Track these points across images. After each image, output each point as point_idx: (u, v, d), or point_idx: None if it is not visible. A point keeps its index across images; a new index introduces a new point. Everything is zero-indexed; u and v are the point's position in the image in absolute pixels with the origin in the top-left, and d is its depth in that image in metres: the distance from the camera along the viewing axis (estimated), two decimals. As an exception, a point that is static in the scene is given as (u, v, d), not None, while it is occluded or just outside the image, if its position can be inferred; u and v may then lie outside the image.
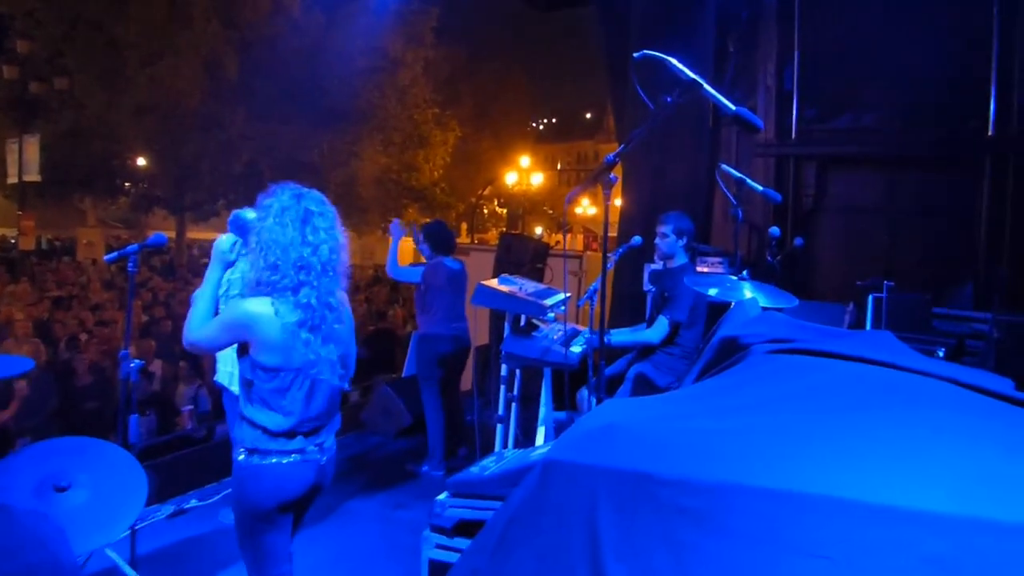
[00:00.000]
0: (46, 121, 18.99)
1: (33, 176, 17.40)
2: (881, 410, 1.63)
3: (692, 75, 2.23)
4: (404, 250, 5.67)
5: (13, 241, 23.99)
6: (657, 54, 2.29)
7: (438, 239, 5.57)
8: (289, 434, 2.48)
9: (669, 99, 2.27)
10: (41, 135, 17.97)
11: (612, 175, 2.39)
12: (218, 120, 20.07)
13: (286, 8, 20.33)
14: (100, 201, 23.80)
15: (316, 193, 2.58)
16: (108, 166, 21.92)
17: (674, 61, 2.25)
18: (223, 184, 21.11)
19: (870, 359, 1.92)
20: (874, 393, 1.77)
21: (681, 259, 4.54)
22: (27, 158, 17.14)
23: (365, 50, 21.26)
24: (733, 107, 2.25)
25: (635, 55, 2.33)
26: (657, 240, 4.50)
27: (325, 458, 2.61)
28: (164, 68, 19.01)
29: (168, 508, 4.61)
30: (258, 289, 2.43)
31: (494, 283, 4.56)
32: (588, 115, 57.01)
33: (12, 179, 18.15)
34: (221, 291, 2.76)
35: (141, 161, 22.79)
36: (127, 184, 24.00)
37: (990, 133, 5.80)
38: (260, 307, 2.40)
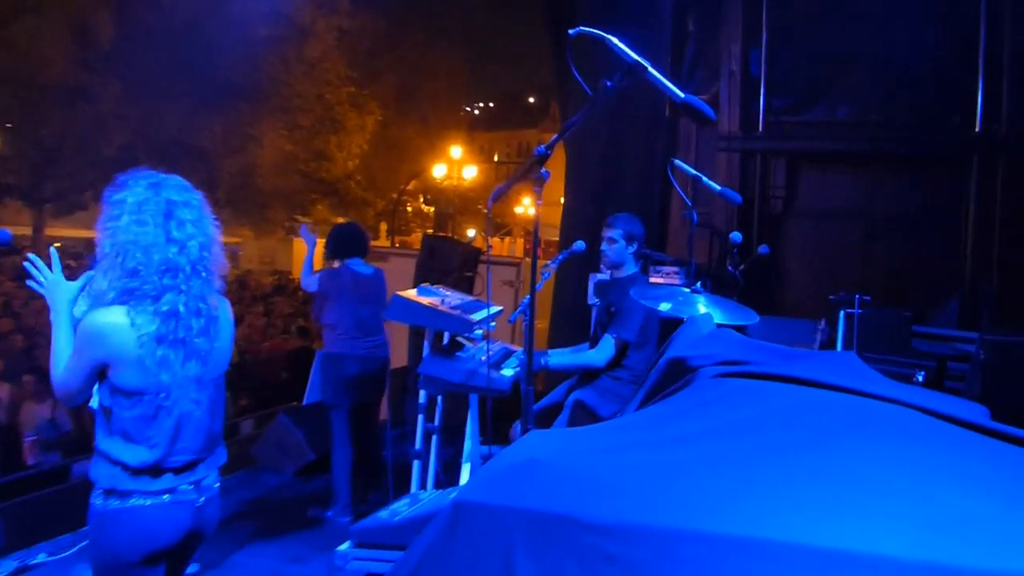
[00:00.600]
0: None
1: None
2: (840, 442, 1.68)
3: (634, 56, 2.27)
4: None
5: None
6: (595, 31, 2.32)
7: (339, 239, 5.57)
8: (154, 470, 2.41)
9: (609, 84, 2.30)
10: None
11: (544, 170, 2.40)
12: (87, 94, 19.55)
13: (173, -39, 20.07)
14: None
15: (176, 179, 2.52)
16: (-54, 147, 21.21)
17: (614, 40, 2.28)
18: (91, 171, 20.51)
19: (831, 384, 1.97)
20: (833, 423, 1.82)
21: (631, 268, 4.60)
22: None
23: (267, 16, 21.04)
24: (682, 94, 2.29)
25: (570, 32, 2.36)
26: (604, 246, 4.56)
27: (203, 499, 2.54)
28: (21, 30, 18.51)
29: (10, 564, 4.45)
30: (115, 300, 2.36)
31: (412, 294, 4.54)
32: (531, 100, 57.46)
33: None
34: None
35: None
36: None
37: (977, 130, 6.04)
38: (113, 317, 2.34)
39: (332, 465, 5.36)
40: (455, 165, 30.23)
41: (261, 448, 6.36)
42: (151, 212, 2.40)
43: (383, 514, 3.23)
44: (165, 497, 2.43)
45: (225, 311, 2.65)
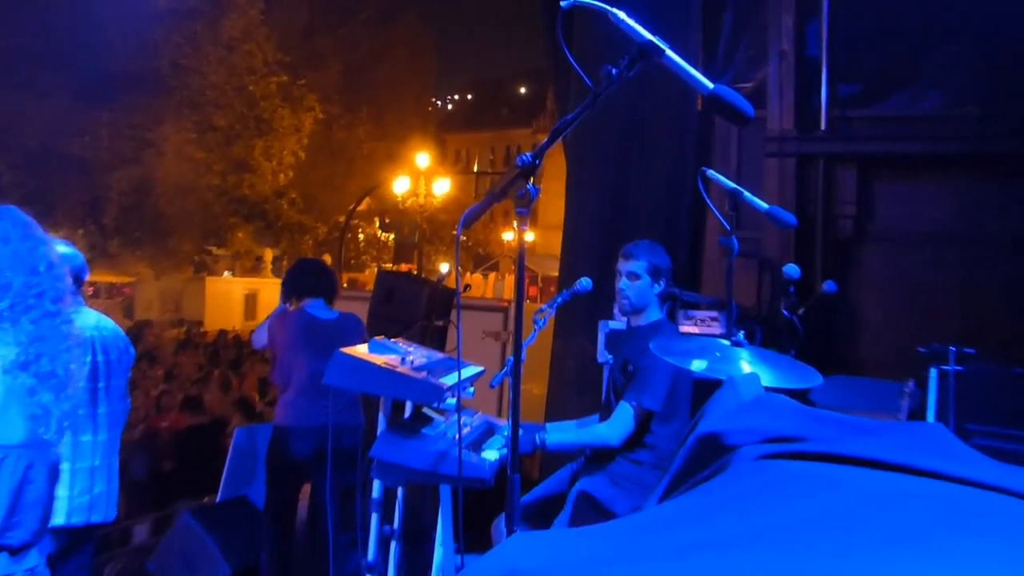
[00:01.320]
0: None
1: None
2: (922, 546, 1.68)
3: (645, 35, 2.30)
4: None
5: None
6: (593, 2, 2.36)
7: (295, 276, 5.67)
8: None
9: (615, 72, 2.33)
10: None
11: (531, 186, 2.43)
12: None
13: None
14: None
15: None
16: None
17: (618, 13, 2.32)
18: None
19: (916, 468, 1.98)
20: (920, 521, 1.82)
21: (655, 313, 4.62)
22: None
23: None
24: (710, 84, 2.32)
25: (563, 4, 2.40)
26: (620, 284, 4.58)
27: None
28: None
29: None
30: None
31: (361, 351, 4.55)
32: (522, 90, 57.96)
33: None
34: None
35: None
36: None
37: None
38: None
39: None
40: (422, 178, 30.20)
41: (159, 561, 6.31)
42: (10, 225, 2.58)
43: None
44: None
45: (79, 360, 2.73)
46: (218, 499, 6.88)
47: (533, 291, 42.27)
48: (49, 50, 19.80)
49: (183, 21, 22.06)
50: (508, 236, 40.28)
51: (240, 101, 24.47)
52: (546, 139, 2.48)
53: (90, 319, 4.16)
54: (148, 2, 20.52)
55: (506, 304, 10.62)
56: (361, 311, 7.82)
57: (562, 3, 2.44)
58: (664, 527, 1.91)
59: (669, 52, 2.33)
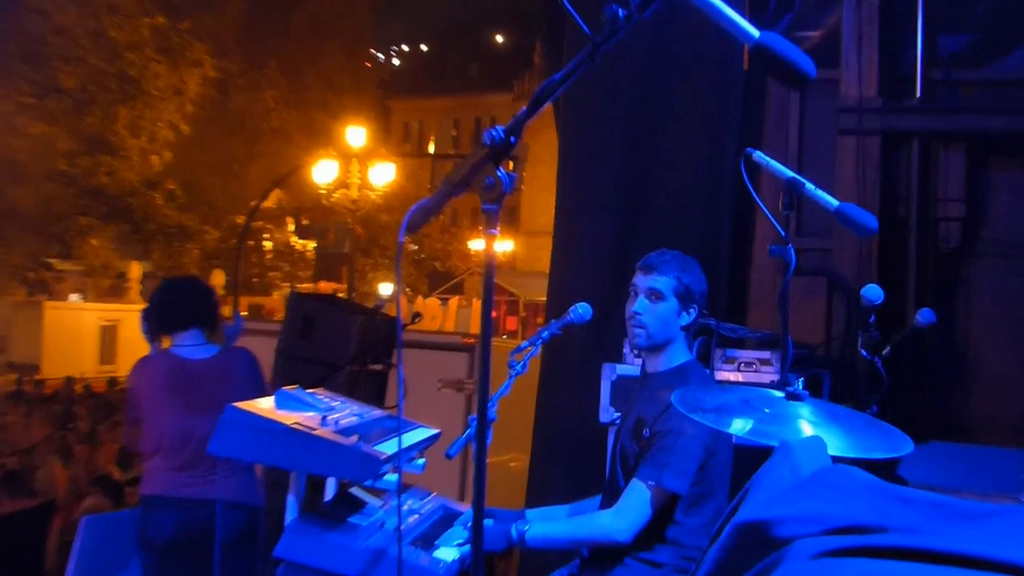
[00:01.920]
0: None
1: None
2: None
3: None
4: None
5: None
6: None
7: (159, 307, 5.66)
8: None
9: (622, 14, 2.36)
10: None
11: (504, 173, 2.45)
12: None
13: None
14: None
15: None
16: None
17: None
18: None
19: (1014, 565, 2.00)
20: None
21: (682, 354, 4.63)
22: None
23: None
24: (756, 32, 2.35)
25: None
26: (635, 306, 4.57)
27: None
28: None
29: None
30: None
31: (264, 406, 4.57)
32: (499, 39, 58.11)
33: None
34: None
35: None
36: None
37: None
38: None
39: None
40: (355, 162, 30.08)
41: None
42: None
43: None
44: None
45: None
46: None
47: (512, 323, 42.27)
48: None
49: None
50: (477, 245, 40.34)
51: (97, 52, 24.40)
52: (525, 107, 2.50)
53: None
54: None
55: (472, 341, 10.58)
56: (267, 349, 7.82)
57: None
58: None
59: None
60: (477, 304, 36.38)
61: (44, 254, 24.58)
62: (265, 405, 4.57)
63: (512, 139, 2.41)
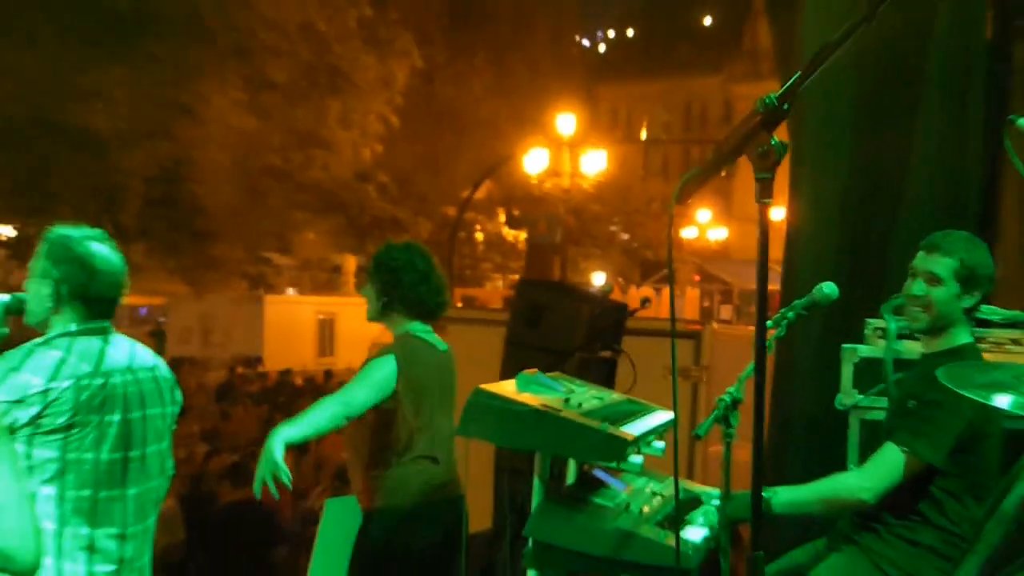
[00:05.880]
0: None
1: None
2: None
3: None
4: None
5: None
6: None
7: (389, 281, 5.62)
8: None
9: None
10: None
11: (778, 141, 2.45)
12: None
13: None
14: None
15: None
16: None
17: None
18: None
19: None
20: None
21: (962, 335, 4.57)
22: None
23: None
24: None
25: None
26: (918, 288, 4.51)
27: None
28: None
29: None
30: None
31: (507, 388, 4.60)
32: (707, 20, 57.78)
33: None
34: None
35: None
36: None
37: None
38: None
39: None
40: (565, 150, 30.03)
41: None
42: None
43: None
44: None
45: None
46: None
47: (726, 311, 41.76)
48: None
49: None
50: (690, 233, 40.15)
51: (307, 46, 24.76)
52: (799, 74, 2.49)
53: (119, 354, 4.25)
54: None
55: (698, 328, 10.47)
56: (489, 337, 7.87)
57: None
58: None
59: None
60: (692, 292, 36.32)
61: (262, 250, 25.03)
62: (505, 387, 4.59)
63: (785, 106, 2.41)
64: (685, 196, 2.60)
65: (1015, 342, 5.42)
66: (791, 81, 2.41)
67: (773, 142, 2.43)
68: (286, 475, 5.06)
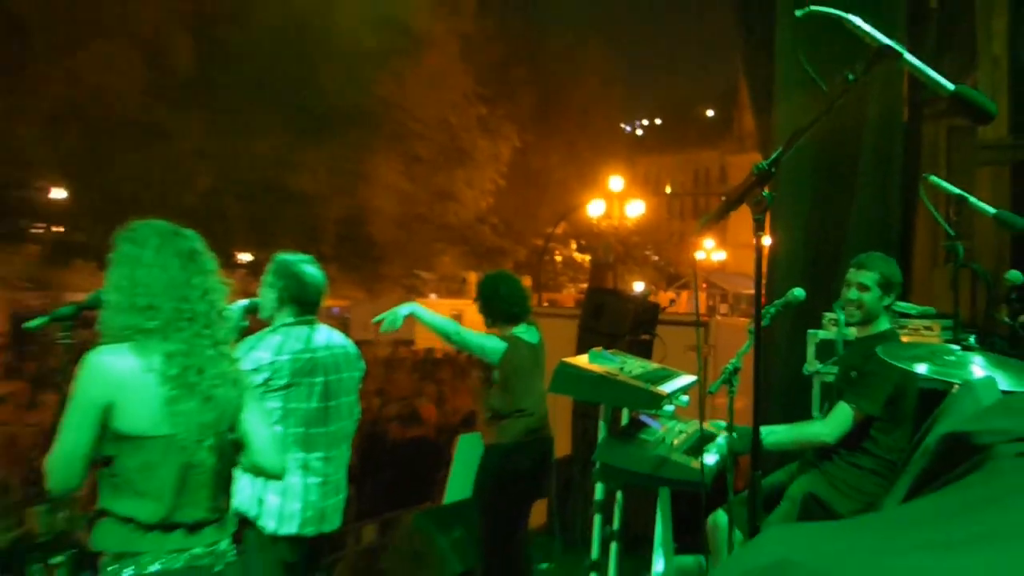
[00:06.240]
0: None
1: None
2: None
3: (885, 40, 2.26)
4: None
5: None
6: (831, 11, 2.33)
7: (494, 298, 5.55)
8: (165, 526, 2.75)
9: (852, 77, 2.29)
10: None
11: (767, 193, 2.42)
12: (164, 130, 20.72)
13: (261, -34, 21.13)
14: (-1, 251, 24.69)
15: (192, 232, 2.98)
16: (7, 200, 22.71)
17: (856, 20, 2.29)
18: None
19: None
20: None
21: (884, 323, 4.52)
22: None
23: (375, 24, 21.84)
24: (951, 85, 2.26)
25: (797, 12, 2.38)
26: (852, 294, 4.48)
27: (219, 567, 2.89)
28: (87, 59, 19.77)
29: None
30: (120, 335, 2.76)
31: (583, 361, 4.58)
32: (709, 113, 57.45)
33: None
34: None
35: (56, 193, 23.53)
36: (36, 226, 24.81)
37: None
38: (116, 353, 2.73)
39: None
40: (615, 200, 30.15)
41: (391, 559, 6.48)
42: (172, 254, 2.85)
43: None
44: (181, 559, 2.79)
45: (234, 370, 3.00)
46: (444, 501, 7.03)
47: (723, 307, 41.66)
48: (270, 92, 20.70)
49: (389, 59, 22.64)
50: (699, 255, 39.84)
51: (442, 133, 25.00)
52: (783, 147, 2.46)
53: (321, 337, 4.29)
54: (357, 43, 21.19)
55: (707, 319, 10.54)
56: (563, 328, 7.90)
57: (796, 12, 2.42)
58: (926, 521, 1.86)
59: (907, 54, 2.29)
60: (701, 295, 36.08)
61: (414, 268, 25.23)
62: (582, 359, 4.59)
63: (772, 170, 2.38)
64: (706, 230, 2.57)
65: (927, 328, 5.37)
66: (775, 154, 2.38)
67: (764, 194, 2.40)
68: (393, 326, 5.19)
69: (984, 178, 6.32)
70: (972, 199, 3.81)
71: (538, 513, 7.38)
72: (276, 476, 3.21)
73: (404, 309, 5.18)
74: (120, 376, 2.70)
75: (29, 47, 20.29)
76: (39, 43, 20.24)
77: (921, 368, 3.23)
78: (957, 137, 6.48)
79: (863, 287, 4.40)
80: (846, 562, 1.62)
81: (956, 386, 3.05)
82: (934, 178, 3.86)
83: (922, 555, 1.64)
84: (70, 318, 3.33)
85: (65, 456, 2.71)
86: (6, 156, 20.89)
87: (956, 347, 3.23)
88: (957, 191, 3.79)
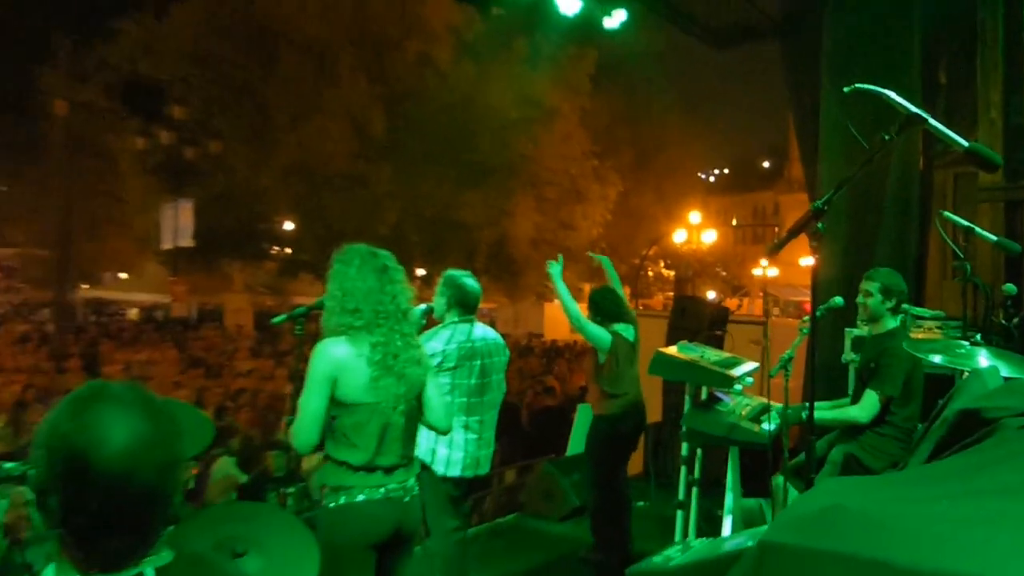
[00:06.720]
0: (198, 186, 20.85)
1: (187, 241, 19.07)
2: None
3: (913, 108, 2.19)
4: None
5: (165, 308, 26.25)
6: (872, 88, 2.27)
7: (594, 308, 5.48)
8: (368, 468, 2.85)
9: (888, 137, 2.23)
10: (193, 199, 19.71)
11: (821, 225, 2.36)
12: (364, 180, 21.31)
13: (435, 61, 21.57)
14: (247, 266, 25.59)
15: (387, 252, 3.05)
16: (255, 230, 23.68)
17: (892, 94, 2.22)
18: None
19: None
20: None
21: (889, 323, 4.35)
22: (181, 223, 18.83)
23: (518, 101, 22.08)
24: (966, 143, 2.18)
25: (845, 88, 2.32)
26: (860, 299, 4.33)
27: (408, 498, 2.96)
28: (312, 128, 20.56)
29: None
30: (337, 330, 2.85)
31: (673, 350, 4.55)
32: (765, 164, 56.09)
33: (166, 244, 19.90)
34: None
35: (288, 225, 24.46)
36: (273, 249, 25.75)
37: None
38: (337, 343, 2.84)
39: (598, 512, 5.34)
40: (694, 230, 29.84)
41: (527, 495, 6.50)
42: (370, 270, 2.92)
43: (657, 559, 3.22)
44: (380, 492, 2.87)
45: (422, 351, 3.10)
46: (567, 454, 7.03)
47: (776, 311, 40.54)
48: (441, 151, 21.19)
49: (528, 127, 22.84)
50: (757, 271, 38.90)
51: (565, 180, 24.96)
52: (833, 190, 2.40)
53: (478, 331, 4.28)
54: (505, 116, 21.71)
55: (765, 320, 10.26)
56: (656, 325, 7.78)
57: (844, 88, 2.36)
58: (948, 478, 1.80)
59: (931, 120, 2.21)
60: (757, 302, 35.20)
61: (543, 280, 25.19)
62: (673, 349, 4.56)
63: (825, 208, 2.32)
64: (776, 253, 2.53)
65: (938, 328, 5.15)
66: (828, 196, 2.33)
67: (819, 226, 2.34)
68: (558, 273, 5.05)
69: (983, 213, 6.03)
70: (978, 229, 3.65)
71: (636, 464, 7.34)
72: (443, 432, 3.24)
73: (555, 267, 5.06)
74: (341, 359, 2.79)
75: (270, 122, 21.11)
76: (277, 119, 21.02)
77: (937, 358, 3.11)
78: (962, 181, 6.21)
79: (868, 293, 4.25)
80: (887, 507, 1.58)
81: (965, 373, 2.93)
82: (947, 213, 3.71)
83: (946, 503, 1.59)
84: (302, 316, 3.47)
85: (307, 419, 2.79)
86: (253, 199, 21.81)
87: (966, 343, 3.10)
88: (966, 223, 3.64)
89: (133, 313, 27.84)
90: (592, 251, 7.39)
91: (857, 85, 2.31)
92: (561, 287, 5.05)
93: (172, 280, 21.54)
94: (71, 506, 1.16)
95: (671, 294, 33.66)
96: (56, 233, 17.33)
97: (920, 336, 5.19)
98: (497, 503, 7.25)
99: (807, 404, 4.35)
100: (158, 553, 1.24)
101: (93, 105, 21.95)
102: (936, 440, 2.39)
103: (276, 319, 3.61)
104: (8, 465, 2.16)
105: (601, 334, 5.08)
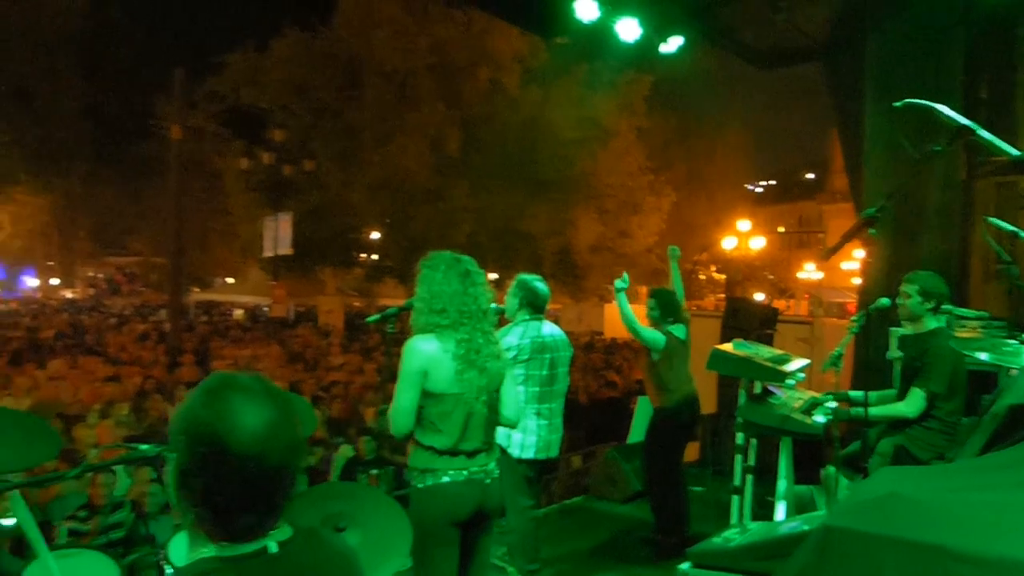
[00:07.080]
0: (295, 200, 21.36)
1: (286, 250, 19.55)
2: None
3: (963, 121, 2.12)
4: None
5: (266, 309, 26.89)
6: (923, 102, 2.20)
7: (655, 308, 5.40)
8: (452, 452, 2.87)
9: (938, 148, 2.16)
10: (291, 213, 20.21)
11: (873, 232, 2.30)
12: (442, 194, 21.62)
13: (504, 86, 21.76)
14: (338, 272, 26.04)
15: (469, 258, 3.06)
16: (345, 240, 24.12)
17: (943, 108, 2.15)
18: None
19: None
20: None
21: (931, 323, 4.20)
22: (281, 234, 19.31)
23: (579, 121, 22.10)
24: (1016, 152, 2.10)
25: (896, 104, 2.26)
26: (900, 299, 4.19)
27: (489, 480, 2.96)
28: (395, 148, 20.96)
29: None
30: (425, 329, 2.89)
31: (729, 348, 4.48)
32: (809, 175, 54.79)
33: (267, 253, 20.45)
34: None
35: (374, 234, 24.90)
36: (361, 256, 26.19)
37: None
38: (426, 340, 2.87)
39: (657, 496, 5.28)
40: (743, 237, 29.37)
41: (591, 479, 6.47)
42: (455, 274, 2.92)
43: (716, 540, 3.18)
44: (463, 474, 2.88)
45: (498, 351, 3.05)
46: (628, 441, 6.97)
47: (820, 312, 39.53)
48: (510, 167, 21.39)
49: (589, 145, 22.83)
50: (801, 275, 38.03)
51: (622, 193, 24.78)
52: (882, 203, 2.33)
53: (547, 328, 4.31)
54: (567, 135, 21.84)
55: (811, 320, 9.99)
56: (706, 324, 7.65)
57: (895, 104, 2.30)
58: (999, 468, 1.73)
59: (980, 131, 2.13)
60: (803, 304, 34.42)
61: (603, 283, 24.97)
62: (728, 347, 4.48)
63: (878, 215, 2.25)
64: (829, 257, 2.47)
65: (983, 327, 4.93)
66: (881, 203, 2.26)
67: (871, 231, 2.28)
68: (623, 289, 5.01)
69: (1022, 220, 5.79)
70: (1022, 233, 3.49)
71: (694, 452, 7.24)
72: (512, 425, 3.22)
73: (620, 284, 5.03)
74: (430, 355, 2.82)
75: (358, 143, 21.56)
76: (365, 139, 21.45)
77: (984, 356, 3.00)
78: (1004, 189, 5.96)
79: (906, 295, 4.07)
80: (942, 495, 1.53)
81: (1012, 370, 2.82)
82: (993, 219, 3.56)
83: (997, 492, 1.54)
84: (393, 316, 3.52)
85: (401, 409, 2.83)
86: (344, 212, 22.27)
87: (1013, 341, 2.98)
88: (1012, 228, 3.49)
89: (238, 314, 28.55)
90: (649, 256, 7.24)
91: (908, 100, 2.24)
92: (623, 301, 5.05)
93: (272, 284, 22.03)
94: (212, 486, 1.19)
95: (722, 296, 33.22)
96: (171, 243, 17.92)
97: (965, 335, 5.00)
98: (565, 486, 7.21)
99: (855, 400, 4.27)
100: (279, 528, 1.27)
101: (203, 130, 22.83)
102: (988, 434, 2.32)
103: (370, 318, 3.68)
104: (144, 447, 2.23)
105: (655, 336, 5.03)
